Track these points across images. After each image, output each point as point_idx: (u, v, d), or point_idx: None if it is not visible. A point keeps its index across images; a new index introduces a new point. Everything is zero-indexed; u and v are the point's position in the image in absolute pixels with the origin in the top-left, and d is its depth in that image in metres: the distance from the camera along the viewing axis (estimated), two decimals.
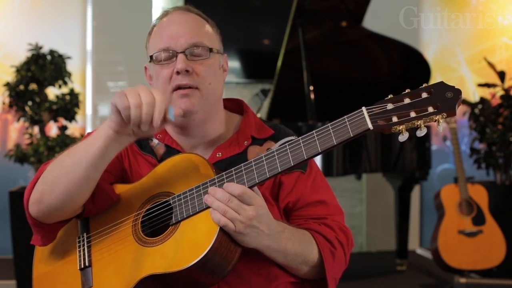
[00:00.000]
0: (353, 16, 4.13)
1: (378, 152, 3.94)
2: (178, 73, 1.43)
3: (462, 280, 3.43)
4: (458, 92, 1.18)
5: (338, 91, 4.31)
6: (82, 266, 1.40)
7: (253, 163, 1.29)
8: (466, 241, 3.73)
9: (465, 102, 4.36)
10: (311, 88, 3.88)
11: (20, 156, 3.75)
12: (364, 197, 5.24)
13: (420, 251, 5.21)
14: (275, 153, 1.28)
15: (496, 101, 4.36)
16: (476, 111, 4.30)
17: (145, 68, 1.59)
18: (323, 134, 1.24)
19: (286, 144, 1.28)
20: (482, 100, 4.31)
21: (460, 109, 4.68)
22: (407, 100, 1.20)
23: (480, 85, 4.46)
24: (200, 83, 1.44)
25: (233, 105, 1.60)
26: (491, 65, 4.39)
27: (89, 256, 1.41)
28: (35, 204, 1.38)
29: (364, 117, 1.21)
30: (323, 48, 4.26)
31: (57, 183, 1.35)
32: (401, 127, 1.19)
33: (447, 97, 1.17)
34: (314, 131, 1.26)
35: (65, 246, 1.46)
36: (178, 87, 1.44)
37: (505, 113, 4.22)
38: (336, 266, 1.43)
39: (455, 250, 3.72)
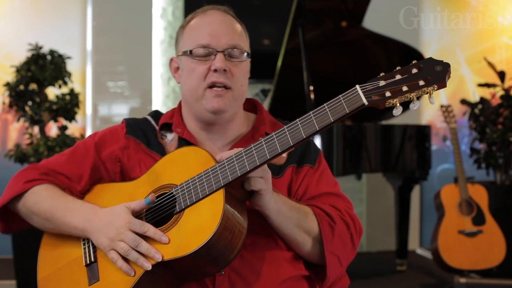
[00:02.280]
0: (353, 16, 4.13)
1: (378, 152, 3.95)
2: (215, 71, 1.48)
3: (462, 280, 3.43)
4: (446, 65, 1.23)
5: (338, 91, 4.30)
6: (88, 262, 1.43)
7: (253, 148, 1.33)
8: (466, 241, 3.73)
9: (465, 102, 4.36)
10: (311, 88, 3.88)
11: (20, 156, 3.75)
12: (364, 197, 5.24)
13: (420, 251, 5.21)
14: (274, 136, 1.32)
15: (496, 101, 4.36)
16: (476, 111, 4.29)
17: (171, 60, 1.62)
18: (320, 113, 1.29)
19: (285, 126, 1.32)
20: (482, 100, 4.31)
21: (460, 109, 4.68)
22: (398, 76, 1.25)
23: (480, 85, 4.46)
24: (233, 83, 1.50)
25: (248, 105, 1.65)
26: (491, 65, 4.39)
27: (94, 252, 1.43)
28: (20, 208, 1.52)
29: (359, 93, 1.26)
30: (323, 48, 4.26)
31: (33, 222, 1.53)
32: (394, 100, 1.23)
33: (436, 71, 1.22)
34: (310, 111, 1.30)
35: (69, 246, 1.48)
36: (213, 85, 1.49)
37: (505, 113, 4.21)
38: (336, 242, 1.44)
39: (455, 250, 3.72)
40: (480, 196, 3.84)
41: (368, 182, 5.20)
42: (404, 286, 4.13)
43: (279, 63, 4.04)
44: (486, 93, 4.74)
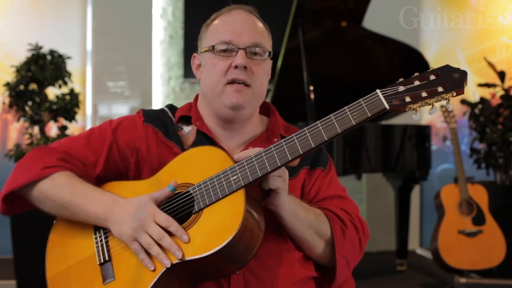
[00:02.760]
0: (353, 16, 4.13)
1: (378, 152, 3.94)
2: (236, 67, 1.49)
3: (462, 280, 3.43)
4: (464, 72, 1.27)
5: (338, 91, 4.31)
6: (102, 261, 1.41)
7: (273, 149, 1.34)
8: (466, 241, 3.73)
9: (465, 102, 4.36)
10: (311, 88, 3.88)
11: (20, 156, 3.75)
12: (364, 197, 5.24)
13: (420, 251, 5.21)
14: (295, 137, 1.33)
15: (496, 101, 4.36)
16: (476, 111, 4.29)
17: (193, 56, 1.63)
18: (341, 116, 1.31)
19: (305, 128, 1.33)
20: (482, 100, 4.31)
21: (460, 109, 4.68)
22: (416, 82, 1.28)
23: (480, 85, 4.46)
24: (253, 81, 1.51)
25: (261, 107, 1.65)
26: (491, 65, 4.39)
27: (108, 250, 1.41)
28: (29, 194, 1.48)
29: (380, 98, 1.28)
30: (323, 48, 4.26)
31: (44, 206, 1.49)
32: (415, 106, 1.28)
33: (454, 78, 1.26)
34: (331, 114, 1.32)
35: (80, 245, 1.46)
36: (233, 81, 1.50)
37: (505, 113, 4.22)
38: (347, 245, 1.47)
39: (455, 250, 3.72)
40: (480, 196, 3.84)
41: (368, 182, 5.20)
42: (404, 286, 4.13)
43: (279, 63, 4.04)
44: (486, 93, 4.74)
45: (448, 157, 5.37)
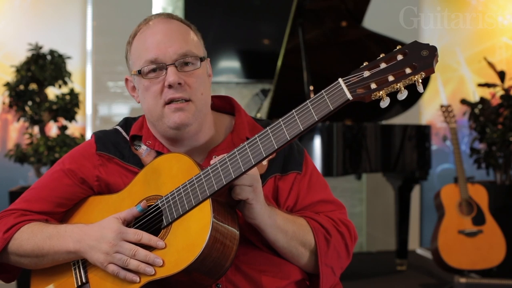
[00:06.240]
0: (353, 16, 4.13)
1: (378, 152, 3.94)
2: (170, 86, 1.38)
3: (462, 280, 3.42)
4: (433, 49, 1.15)
5: None
6: (80, 284, 1.40)
7: (236, 153, 1.26)
8: (466, 241, 3.73)
9: (465, 102, 4.36)
10: (311, 88, 3.88)
11: (20, 156, 3.75)
12: (364, 197, 5.24)
13: (420, 251, 5.21)
14: (258, 139, 1.25)
15: (496, 101, 4.36)
16: (476, 111, 4.30)
17: (126, 79, 1.52)
18: (303, 112, 1.21)
19: (268, 128, 1.24)
20: (482, 100, 4.31)
21: (460, 109, 4.68)
22: (383, 65, 1.17)
23: (480, 85, 4.46)
24: (192, 94, 1.40)
25: (222, 103, 1.55)
26: (491, 65, 4.39)
27: (85, 272, 1.41)
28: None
29: (342, 88, 1.17)
30: (323, 48, 4.26)
31: (24, 265, 1.48)
32: (381, 93, 1.15)
33: (423, 56, 1.15)
34: (293, 110, 1.23)
35: (60, 269, 1.46)
36: (171, 101, 1.39)
37: (505, 113, 4.22)
38: (331, 254, 1.41)
39: (455, 250, 3.72)
40: (480, 196, 3.84)
41: (368, 182, 5.20)
42: (404, 286, 4.13)
43: (279, 63, 4.04)
44: (486, 93, 4.74)
45: (448, 157, 5.37)
